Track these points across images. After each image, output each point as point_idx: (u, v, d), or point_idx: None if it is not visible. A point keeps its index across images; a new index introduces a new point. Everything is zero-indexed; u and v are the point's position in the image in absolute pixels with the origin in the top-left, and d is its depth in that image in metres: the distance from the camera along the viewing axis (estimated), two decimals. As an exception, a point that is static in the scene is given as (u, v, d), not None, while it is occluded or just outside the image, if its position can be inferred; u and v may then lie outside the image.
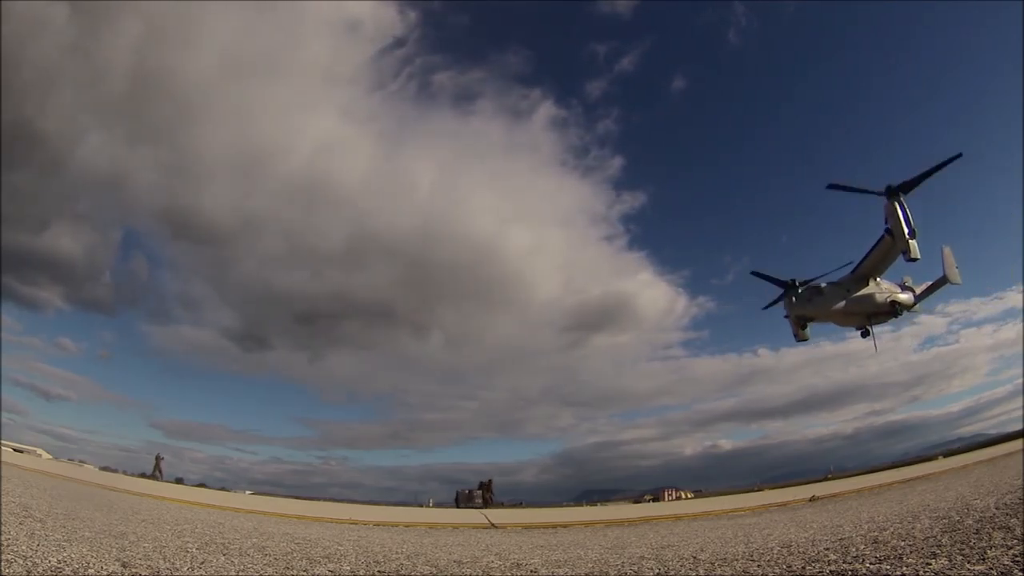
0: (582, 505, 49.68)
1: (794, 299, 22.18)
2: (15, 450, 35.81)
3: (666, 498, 55.71)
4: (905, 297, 22.63)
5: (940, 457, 26.28)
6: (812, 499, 14.49)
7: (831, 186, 19.78)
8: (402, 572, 5.61)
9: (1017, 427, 32.27)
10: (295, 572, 5.32)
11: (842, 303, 21.72)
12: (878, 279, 22.14)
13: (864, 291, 21.84)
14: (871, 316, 22.30)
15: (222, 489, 41.02)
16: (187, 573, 4.80)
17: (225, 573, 5.01)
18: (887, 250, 20.95)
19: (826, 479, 31.70)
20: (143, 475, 43.53)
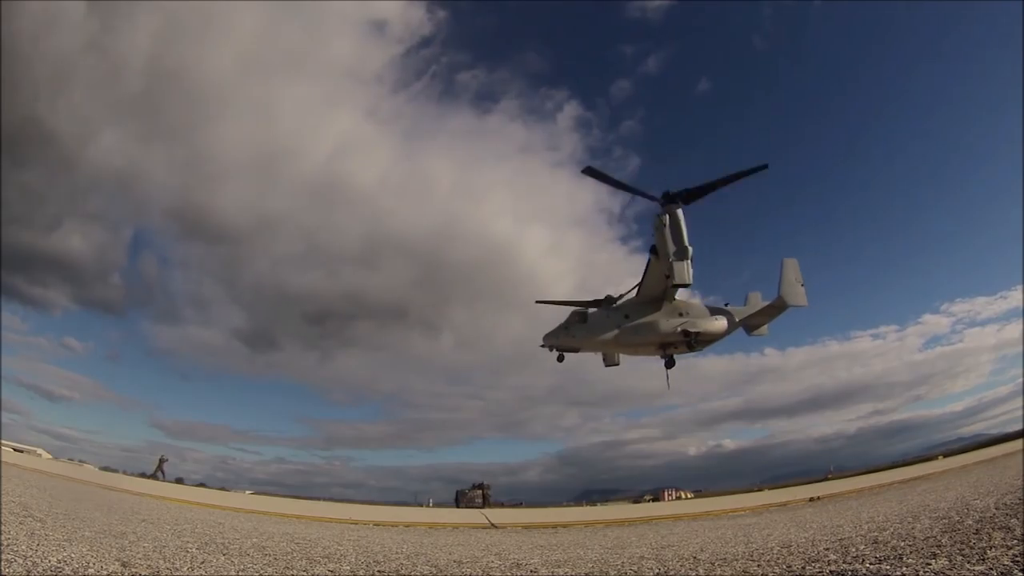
0: (582, 505, 49.66)
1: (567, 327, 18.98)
2: (15, 450, 35.79)
3: (666, 498, 55.62)
4: (715, 325, 19.27)
5: (940, 457, 26.25)
6: (812, 499, 14.50)
7: (586, 171, 16.34)
8: (402, 572, 5.62)
9: (1017, 427, 32.25)
10: (295, 572, 5.32)
11: (614, 332, 18.69)
12: (674, 300, 19.03)
13: (646, 318, 18.79)
14: (665, 346, 19.09)
15: (222, 489, 40.98)
16: (187, 573, 4.80)
17: (225, 573, 5.01)
18: (654, 271, 17.89)
19: (826, 479, 31.69)
20: (143, 475, 43.46)
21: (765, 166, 16.99)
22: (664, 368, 19.63)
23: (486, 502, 46.19)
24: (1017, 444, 19.41)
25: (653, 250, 17.84)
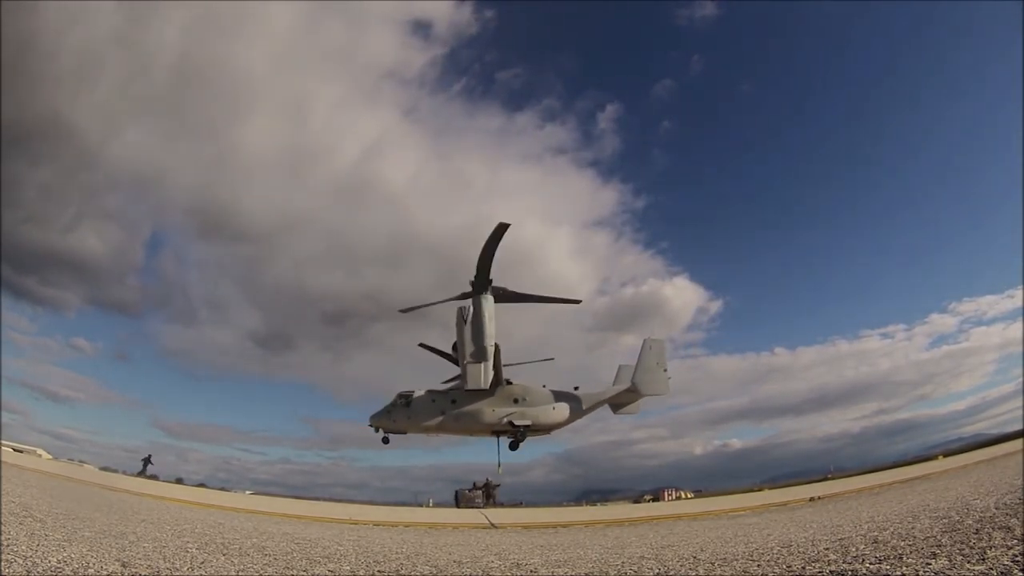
0: (582, 505, 49.62)
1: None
2: (15, 450, 35.76)
3: (666, 498, 55.56)
4: (550, 416, 17.97)
5: (940, 457, 26.21)
6: (812, 499, 14.49)
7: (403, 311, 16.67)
8: (402, 572, 5.62)
9: (1017, 427, 32.23)
10: (295, 572, 5.32)
11: (438, 419, 17.72)
12: (510, 385, 17.82)
13: (473, 406, 17.70)
14: (498, 433, 18.14)
15: (222, 489, 40.96)
16: (187, 573, 4.80)
17: (225, 573, 5.01)
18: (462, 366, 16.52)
19: (826, 479, 31.67)
20: (138, 474, 43.57)
21: (578, 301, 17.24)
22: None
23: (489, 500, 45.67)
24: (1017, 444, 19.36)
25: (455, 347, 16.97)
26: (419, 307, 17.16)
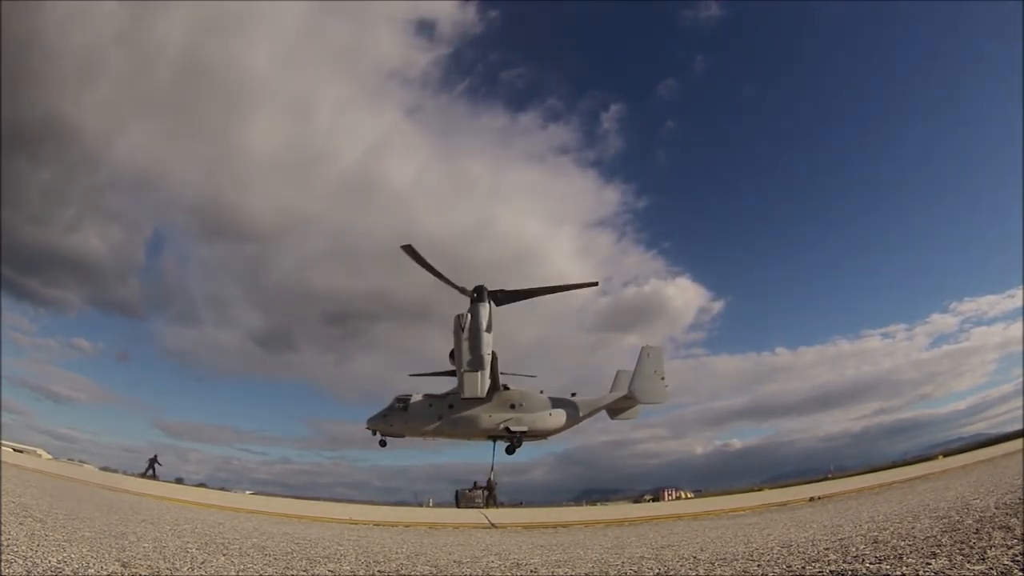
0: (582, 505, 49.60)
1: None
2: (15, 450, 35.74)
3: (666, 498, 55.50)
4: (547, 422, 17.92)
5: (940, 457, 26.18)
6: (812, 499, 14.48)
7: (405, 247, 15.74)
8: (402, 572, 5.61)
9: (1018, 426, 32.21)
10: (295, 572, 5.32)
11: (435, 424, 17.79)
12: (507, 391, 17.65)
13: (470, 411, 17.65)
14: (494, 438, 18.08)
15: (222, 489, 40.93)
16: (187, 573, 4.80)
17: (225, 573, 5.01)
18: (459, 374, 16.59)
19: (826, 479, 31.65)
20: (142, 475, 43.37)
21: (595, 283, 17.65)
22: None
23: (490, 500, 45.38)
24: (1017, 444, 19.34)
25: (451, 354, 17.00)
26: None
